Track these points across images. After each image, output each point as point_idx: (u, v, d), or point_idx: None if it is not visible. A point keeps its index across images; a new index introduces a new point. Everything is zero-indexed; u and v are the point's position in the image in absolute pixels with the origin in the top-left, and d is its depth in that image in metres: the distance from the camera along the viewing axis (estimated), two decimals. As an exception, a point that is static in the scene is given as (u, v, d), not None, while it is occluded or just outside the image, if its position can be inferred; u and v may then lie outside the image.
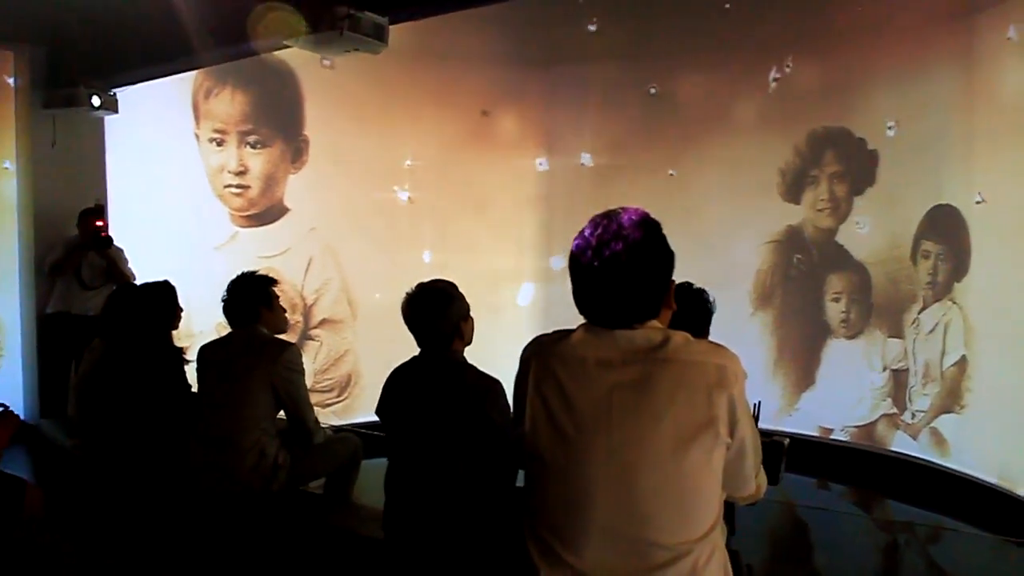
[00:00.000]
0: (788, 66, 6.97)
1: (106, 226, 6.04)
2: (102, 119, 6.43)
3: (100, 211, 6.05)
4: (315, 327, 7.55)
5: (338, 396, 7.60)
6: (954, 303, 6.01)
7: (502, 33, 7.52)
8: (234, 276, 3.75)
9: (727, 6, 6.96)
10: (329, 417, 7.09)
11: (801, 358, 7.05)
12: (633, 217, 1.76)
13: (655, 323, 1.77)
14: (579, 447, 1.73)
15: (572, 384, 1.76)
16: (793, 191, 7.09)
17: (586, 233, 1.78)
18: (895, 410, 6.44)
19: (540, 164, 8.15)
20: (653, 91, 7.54)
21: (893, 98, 6.38)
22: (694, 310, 2.27)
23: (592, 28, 7.59)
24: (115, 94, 6.18)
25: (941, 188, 6.09)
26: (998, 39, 5.61)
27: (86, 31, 5.75)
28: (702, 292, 2.81)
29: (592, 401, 1.73)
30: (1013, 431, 5.44)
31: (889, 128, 6.40)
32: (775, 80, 7.03)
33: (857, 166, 6.68)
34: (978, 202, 5.72)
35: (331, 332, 7.61)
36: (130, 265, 6.16)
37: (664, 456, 1.67)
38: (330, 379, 7.58)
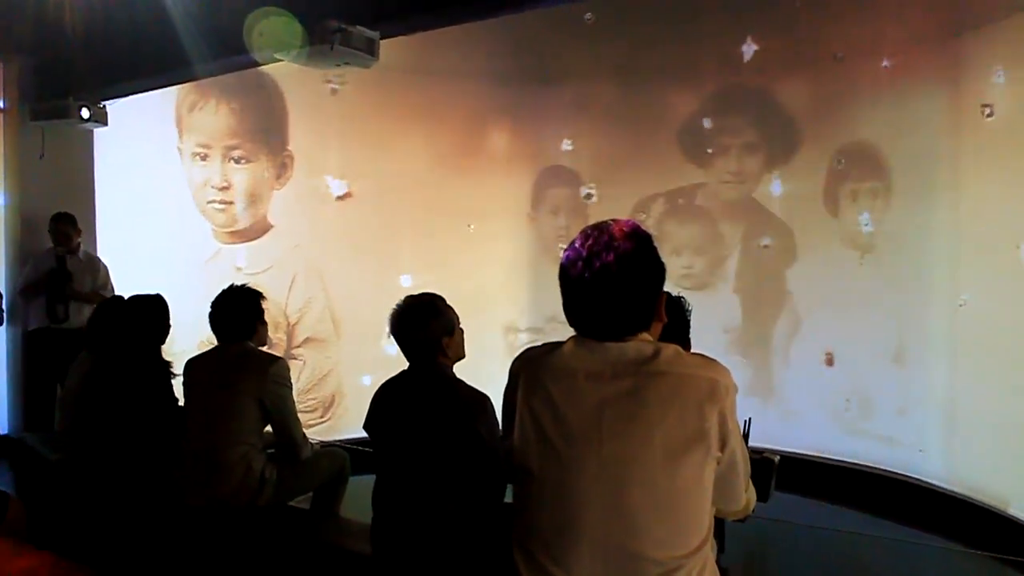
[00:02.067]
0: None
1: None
2: (91, 132, 6.41)
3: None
4: (298, 346, 7.47)
5: (321, 416, 7.51)
6: (941, 321, 6.01)
7: (494, 49, 7.52)
8: (218, 292, 3.72)
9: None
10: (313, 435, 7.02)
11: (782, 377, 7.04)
12: (624, 228, 1.75)
13: (646, 335, 1.76)
14: (569, 460, 1.72)
15: (562, 397, 1.74)
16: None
17: (576, 245, 1.77)
18: (884, 431, 6.42)
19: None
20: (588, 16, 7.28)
21: (881, 116, 6.40)
22: (673, 318, 2.27)
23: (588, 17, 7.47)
24: (104, 107, 6.16)
25: (930, 211, 6.09)
26: (984, 60, 5.64)
27: (76, 42, 5.73)
28: (680, 300, 2.80)
29: (582, 414, 1.72)
30: (998, 450, 5.44)
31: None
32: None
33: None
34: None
35: (315, 351, 7.53)
36: (111, 277, 6.15)
37: (655, 469, 1.66)
38: (313, 399, 7.49)
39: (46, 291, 5.93)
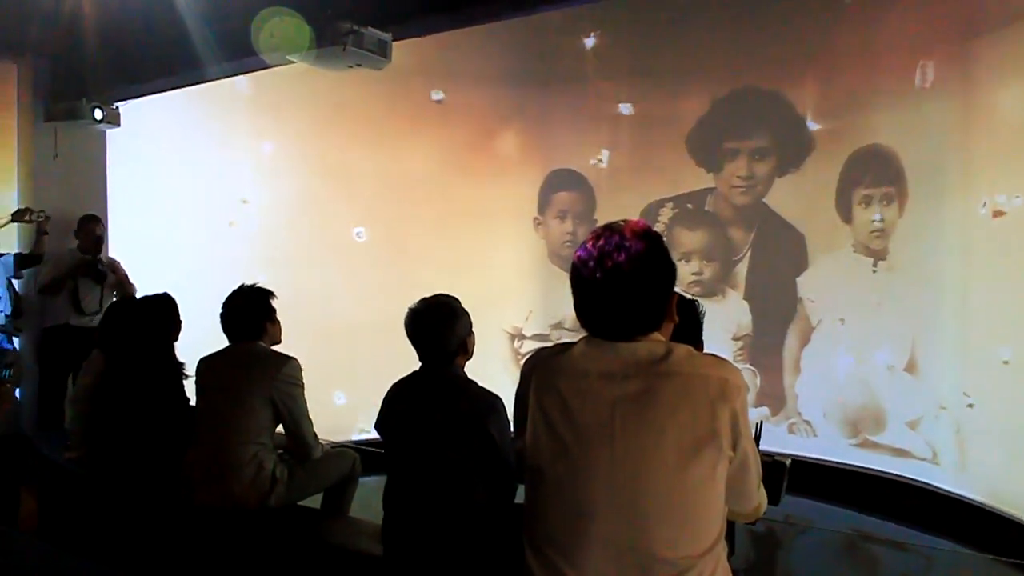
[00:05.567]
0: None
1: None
2: (104, 132, 6.44)
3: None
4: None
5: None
6: (953, 324, 5.99)
7: (503, 52, 7.51)
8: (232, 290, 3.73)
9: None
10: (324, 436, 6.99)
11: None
12: (635, 228, 1.75)
13: (657, 335, 1.76)
14: (581, 460, 1.72)
15: (574, 397, 1.75)
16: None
17: (588, 245, 1.77)
18: (893, 440, 6.40)
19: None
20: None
21: (892, 120, 6.38)
22: (685, 321, 2.27)
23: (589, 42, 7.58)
24: (117, 107, 6.20)
25: (943, 217, 6.06)
26: (996, 64, 5.63)
27: (90, 44, 5.77)
28: (694, 302, 2.80)
29: (594, 414, 1.72)
30: (1008, 454, 5.42)
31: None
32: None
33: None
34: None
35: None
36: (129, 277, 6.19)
37: (667, 469, 1.66)
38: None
39: (79, 283, 5.98)
